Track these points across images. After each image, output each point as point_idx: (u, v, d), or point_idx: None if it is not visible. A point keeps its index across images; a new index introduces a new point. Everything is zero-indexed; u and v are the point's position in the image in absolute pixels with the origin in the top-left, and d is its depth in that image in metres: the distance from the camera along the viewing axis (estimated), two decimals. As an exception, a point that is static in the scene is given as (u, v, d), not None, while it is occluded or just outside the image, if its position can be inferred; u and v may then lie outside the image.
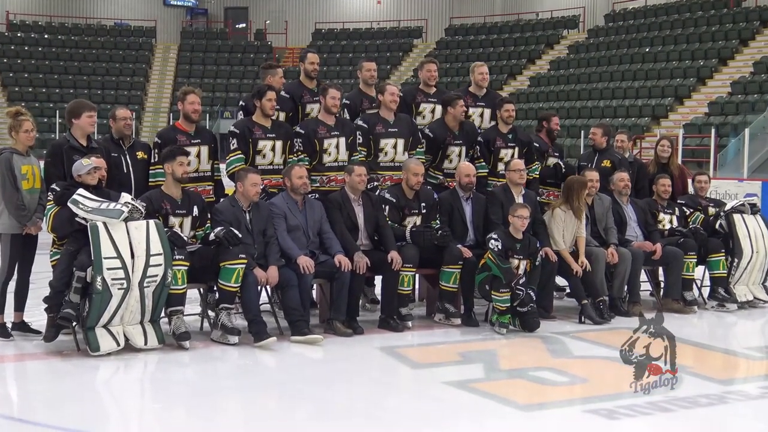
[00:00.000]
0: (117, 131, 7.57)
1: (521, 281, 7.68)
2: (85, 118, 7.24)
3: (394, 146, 8.33)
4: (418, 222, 8.07)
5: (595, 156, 9.42)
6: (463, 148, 8.67)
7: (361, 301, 8.11)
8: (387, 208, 7.99)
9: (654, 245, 8.80)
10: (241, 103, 8.70)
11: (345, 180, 7.90)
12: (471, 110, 9.05)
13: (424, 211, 8.10)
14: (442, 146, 8.59)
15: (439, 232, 7.89)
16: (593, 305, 8.29)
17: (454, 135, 8.62)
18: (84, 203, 6.58)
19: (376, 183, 8.23)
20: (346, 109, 8.54)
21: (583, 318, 8.22)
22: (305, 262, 7.34)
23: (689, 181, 9.99)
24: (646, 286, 9.28)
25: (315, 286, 8.04)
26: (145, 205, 6.89)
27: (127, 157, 7.53)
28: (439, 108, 8.77)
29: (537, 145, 9.14)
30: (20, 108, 7.34)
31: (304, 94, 8.51)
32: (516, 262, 7.81)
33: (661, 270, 9.25)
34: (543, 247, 8.15)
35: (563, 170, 9.17)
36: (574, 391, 6.29)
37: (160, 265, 6.68)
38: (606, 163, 9.32)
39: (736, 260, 9.16)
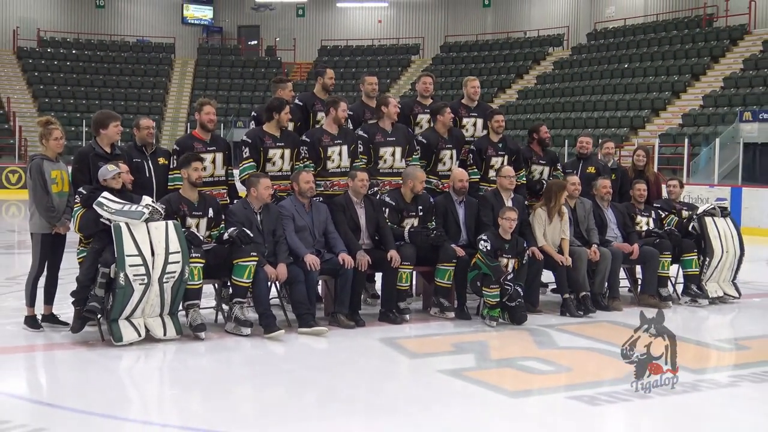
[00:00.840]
0: (140, 139, 7.56)
1: (509, 278, 7.68)
2: (112, 128, 7.24)
3: (393, 154, 8.35)
4: (416, 223, 8.07)
5: (580, 163, 9.43)
6: (454, 152, 8.70)
7: (362, 296, 8.10)
8: (387, 210, 8.00)
9: (632, 246, 8.80)
10: (253, 113, 8.69)
11: (348, 184, 7.89)
12: (464, 120, 9.07)
13: (421, 213, 8.10)
14: (435, 150, 8.60)
15: (434, 232, 7.89)
16: (576, 300, 8.31)
17: (444, 140, 8.65)
18: (108, 205, 6.58)
19: (376, 188, 8.23)
20: (349, 120, 8.54)
21: (564, 311, 8.24)
22: (311, 260, 7.34)
23: (663, 186, 10.02)
24: (624, 283, 9.29)
25: (320, 282, 8.02)
26: (164, 207, 6.89)
27: (150, 162, 7.53)
28: (435, 118, 8.78)
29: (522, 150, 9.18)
30: (50, 118, 7.34)
31: (316, 103, 8.51)
32: (505, 260, 7.80)
33: (638, 268, 9.25)
34: (530, 247, 8.16)
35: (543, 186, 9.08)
36: (559, 379, 6.28)
37: (178, 262, 6.68)
38: (591, 170, 9.34)
39: (707, 259, 9.16)
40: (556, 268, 8.36)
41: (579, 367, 6.59)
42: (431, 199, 8.30)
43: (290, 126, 8.19)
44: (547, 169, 9.27)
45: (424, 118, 8.91)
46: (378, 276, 8.39)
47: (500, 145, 8.85)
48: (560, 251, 8.38)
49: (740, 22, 29.11)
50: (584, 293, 8.36)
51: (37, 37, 37.36)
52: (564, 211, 8.49)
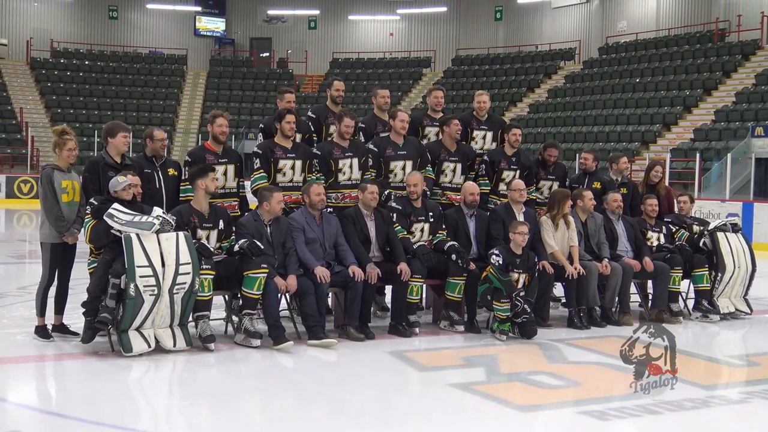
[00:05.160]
0: (152, 150, 7.58)
1: (521, 294, 7.67)
2: (119, 138, 7.27)
3: (403, 168, 8.35)
4: (426, 229, 8.06)
5: (586, 178, 9.41)
6: (459, 165, 8.66)
7: (372, 308, 8.10)
8: (395, 215, 8.00)
9: (642, 260, 8.74)
10: (261, 125, 8.70)
11: (358, 197, 7.90)
12: (475, 132, 9.06)
13: (431, 219, 8.09)
14: (437, 162, 8.60)
15: (464, 263, 7.84)
16: (585, 312, 8.32)
17: (449, 152, 8.63)
18: (119, 217, 6.60)
19: (388, 191, 8.23)
20: (361, 132, 8.56)
21: (570, 323, 8.29)
22: (322, 272, 7.34)
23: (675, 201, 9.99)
24: (635, 298, 9.25)
25: (330, 295, 8.02)
26: (175, 218, 6.90)
27: (160, 173, 7.54)
28: (444, 131, 8.79)
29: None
30: (66, 127, 7.34)
31: (329, 116, 8.53)
32: (516, 275, 7.80)
33: (649, 283, 9.22)
34: (540, 260, 8.14)
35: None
36: (568, 394, 6.26)
37: (188, 273, 6.69)
38: (596, 185, 9.32)
39: (719, 275, 9.12)
40: (565, 280, 8.35)
41: (589, 382, 6.56)
42: (440, 208, 8.31)
43: (298, 137, 8.21)
44: (556, 185, 9.25)
45: (432, 131, 8.92)
46: (388, 289, 8.39)
47: (513, 159, 8.85)
48: (570, 260, 8.37)
49: (752, 37, 29.07)
50: (593, 306, 8.36)
51: (51, 47, 37.62)
52: (570, 221, 8.50)
